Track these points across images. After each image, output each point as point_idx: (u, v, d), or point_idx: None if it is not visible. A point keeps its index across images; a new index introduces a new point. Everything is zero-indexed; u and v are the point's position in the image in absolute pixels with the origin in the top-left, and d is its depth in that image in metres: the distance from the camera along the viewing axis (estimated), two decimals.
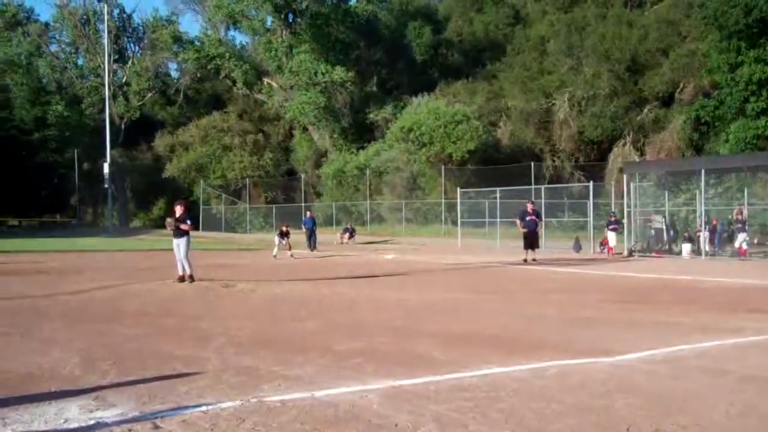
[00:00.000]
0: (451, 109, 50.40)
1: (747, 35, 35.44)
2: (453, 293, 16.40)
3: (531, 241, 25.17)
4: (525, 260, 24.74)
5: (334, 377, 7.53)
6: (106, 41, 65.39)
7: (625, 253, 29.41)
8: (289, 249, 28.71)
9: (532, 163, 44.87)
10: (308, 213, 38.00)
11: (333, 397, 6.73)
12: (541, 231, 26.21)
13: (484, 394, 6.85)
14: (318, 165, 61.10)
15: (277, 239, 29.30)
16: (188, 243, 17.73)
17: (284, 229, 29.53)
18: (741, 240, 27.31)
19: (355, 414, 6.17)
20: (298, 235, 34.34)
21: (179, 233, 17.61)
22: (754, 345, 9.68)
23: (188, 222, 17.84)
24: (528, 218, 25.23)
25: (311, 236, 34.48)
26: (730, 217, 29.34)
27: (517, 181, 38.75)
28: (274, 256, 27.63)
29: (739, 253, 27.07)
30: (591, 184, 33.19)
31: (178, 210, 17.75)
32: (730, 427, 5.83)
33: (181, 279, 17.58)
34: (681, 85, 47.25)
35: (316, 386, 7.10)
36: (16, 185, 66.25)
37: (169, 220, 18.18)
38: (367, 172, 53.17)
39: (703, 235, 28.45)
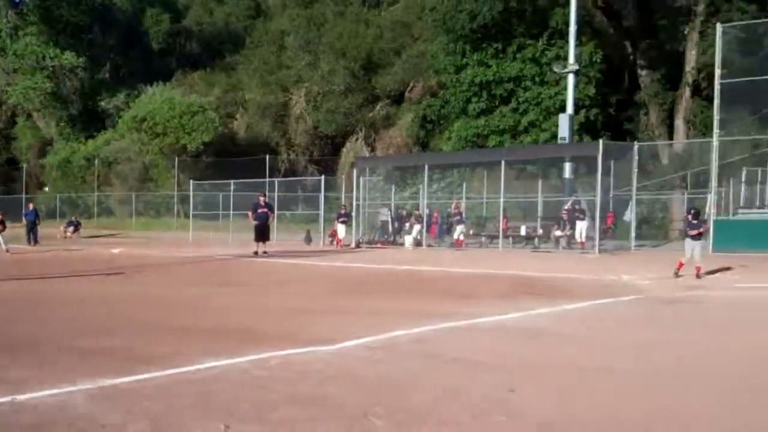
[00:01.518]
0: (187, 99, 49.43)
1: (471, 39, 37.57)
2: (175, 287, 16.11)
3: (261, 233, 25.21)
4: (255, 252, 24.78)
5: (40, 379, 7.11)
6: None
7: (353, 244, 30.31)
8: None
9: (268, 156, 45.02)
10: (30, 205, 35.66)
11: (37, 400, 6.37)
12: (273, 223, 26.34)
13: (205, 388, 6.74)
14: (42, 154, 57.54)
15: None
16: None
17: None
18: (458, 232, 29.06)
19: (60, 417, 5.87)
20: (18, 229, 32.20)
21: None
22: (464, 328, 10.34)
23: None
24: (259, 210, 25.25)
25: (32, 230, 32.33)
26: (449, 210, 31.03)
27: (253, 173, 38.69)
28: None
29: (456, 244, 28.79)
30: (323, 177, 33.90)
31: None
32: (435, 407, 6.14)
33: None
34: (411, 85, 49.34)
35: (19, 389, 6.68)
36: None
37: None
38: (96, 162, 50.82)
39: (420, 227, 29.94)
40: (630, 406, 6.30)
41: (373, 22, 53.43)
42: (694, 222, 17.34)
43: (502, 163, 27.64)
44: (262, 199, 25.94)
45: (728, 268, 18.31)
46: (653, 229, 30.14)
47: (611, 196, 27.11)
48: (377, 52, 50.69)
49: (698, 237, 17.17)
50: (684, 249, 17.43)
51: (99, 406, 6.17)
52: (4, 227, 27.55)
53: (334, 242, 31.12)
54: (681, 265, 16.96)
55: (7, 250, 26.50)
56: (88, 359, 8.09)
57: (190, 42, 66.95)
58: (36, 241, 31.89)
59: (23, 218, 33.05)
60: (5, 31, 57.50)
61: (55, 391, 6.69)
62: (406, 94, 49.89)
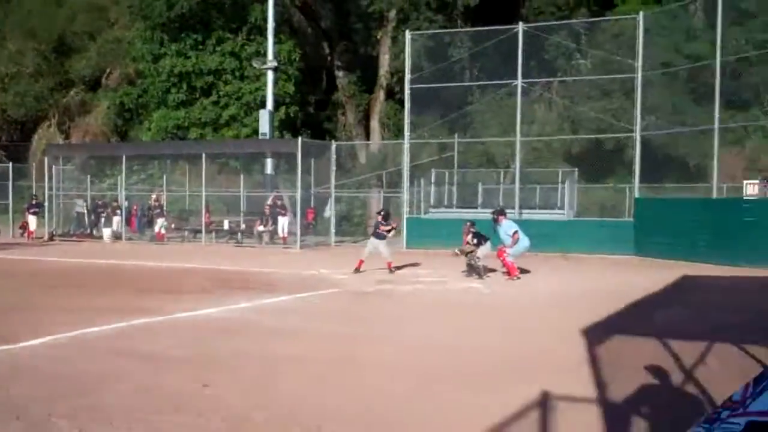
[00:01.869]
0: None
1: (170, 29, 36.72)
2: None
3: None
4: None
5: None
6: None
7: (46, 237, 28.65)
8: None
9: None
10: None
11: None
12: None
13: None
14: None
15: None
16: None
17: None
18: (159, 225, 28.44)
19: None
20: None
21: None
22: (161, 324, 10.21)
23: None
24: None
25: None
26: (150, 202, 30.28)
27: None
28: None
29: (158, 238, 28.18)
30: (11, 164, 31.68)
31: None
32: (126, 405, 6.04)
33: None
34: (108, 71, 47.36)
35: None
36: None
37: None
38: None
39: (118, 219, 29.00)
40: (321, 392, 6.58)
41: (65, 2, 50.46)
42: (383, 223, 18.17)
43: (203, 156, 27.41)
44: None
45: (417, 264, 19.52)
46: (352, 226, 31.26)
47: (312, 192, 27.84)
48: (70, 34, 47.98)
49: (383, 236, 17.92)
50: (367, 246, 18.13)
51: None
52: None
53: (25, 234, 29.21)
54: (361, 262, 17.60)
55: None
56: None
57: None
58: None
59: None
60: None
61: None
62: (103, 81, 47.77)
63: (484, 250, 16.56)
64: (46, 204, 29.74)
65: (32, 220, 29.23)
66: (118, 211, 29.14)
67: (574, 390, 6.48)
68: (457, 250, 17.19)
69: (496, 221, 17.13)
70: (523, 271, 17.04)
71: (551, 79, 29.57)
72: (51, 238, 28.59)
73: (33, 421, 5.53)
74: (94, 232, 29.95)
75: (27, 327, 9.46)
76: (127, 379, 6.97)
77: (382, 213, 18.92)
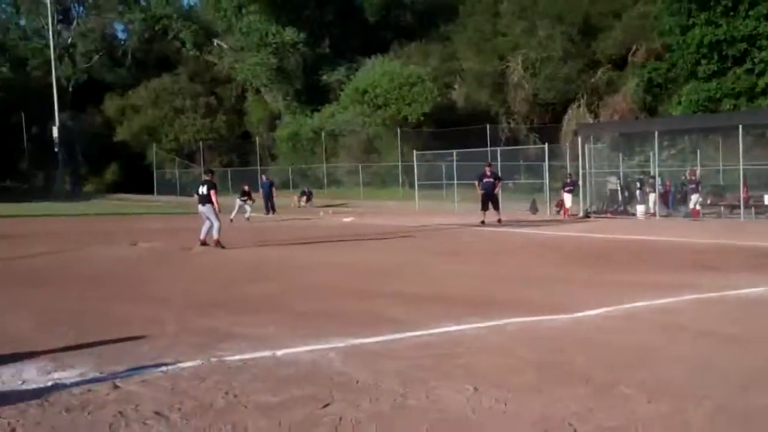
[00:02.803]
0: (405, 69, 50.09)
1: None
2: (412, 255, 16.42)
3: (487, 202, 25.24)
4: (482, 222, 24.82)
5: (294, 337, 7.50)
6: (48, 1, 63.58)
7: (581, 214, 29.59)
8: (244, 212, 28.69)
9: (488, 126, 44.80)
10: (263, 176, 37.66)
11: (294, 355, 6.70)
12: (499, 192, 26.21)
13: (444, 351, 6.88)
14: (272, 128, 60.35)
15: (238, 201, 29.16)
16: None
17: (245, 188, 29.50)
18: (694, 201, 27.54)
19: (316, 372, 6.15)
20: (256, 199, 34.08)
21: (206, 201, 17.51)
22: (709, 301, 9.80)
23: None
24: (485, 180, 25.29)
25: (269, 199, 34.02)
26: (683, 178, 29.54)
27: (473, 143, 38.59)
28: (231, 219, 27.25)
29: (692, 214, 27.35)
30: (546, 146, 33.24)
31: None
32: (688, 382, 5.88)
33: (204, 243, 17.36)
34: (633, 48, 47.32)
35: (277, 345, 7.06)
36: None
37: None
38: (323, 135, 52.77)
39: (654, 197, 28.69)
40: None
41: None
42: None
43: (740, 128, 25.90)
44: (487, 169, 25.97)
45: None
46: None
47: None
48: (595, 15, 48.81)
49: None
50: None
51: (351, 363, 6.40)
52: (251, 198, 29.40)
53: (561, 212, 30.52)
54: None
55: (248, 219, 28.21)
56: (330, 320, 8.40)
57: (404, 13, 67.60)
58: (274, 210, 33.47)
59: (260, 189, 34.74)
60: (230, 10, 60.44)
61: (311, 347, 7.04)
62: (629, 58, 47.88)
63: None
64: (580, 182, 30.67)
65: (567, 198, 30.35)
66: (653, 189, 28.90)
67: None
68: None
69: None
70: None
71: None
72: (586, 215, 29.44)
73: (600, 388, 5.65)
74: (628, 209, 30.15)
75: (576, 298, 9.81)
76: (682, 354, 6.80)
77: None
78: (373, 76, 50.51)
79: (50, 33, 63.06)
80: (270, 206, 33.64)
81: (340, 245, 18.75)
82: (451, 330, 7.87)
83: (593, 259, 15.43)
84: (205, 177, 18.73)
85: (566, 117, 47.61)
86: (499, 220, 24.98)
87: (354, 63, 57.91)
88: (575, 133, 35.27)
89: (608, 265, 14.29)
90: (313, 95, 59.41)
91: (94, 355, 6.73)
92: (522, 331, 7.78)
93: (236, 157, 60.80)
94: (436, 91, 49.58)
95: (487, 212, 25.20)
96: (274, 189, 35.21)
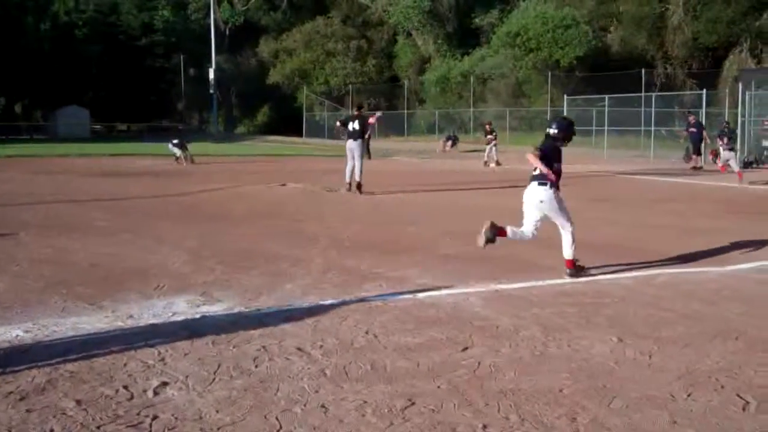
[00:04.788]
0: (560, 12, 48.72)
1: None
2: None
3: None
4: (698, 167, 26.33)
5: (436, 279, 7.52)
6: None
7: (738, 166, 28.19)
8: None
9: (643, 70, 43.06)
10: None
11: (435, 298, 6.73)
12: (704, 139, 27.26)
13: (589, 300, 6.76)
14: (421, 72, 60.22)
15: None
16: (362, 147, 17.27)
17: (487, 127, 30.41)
18: None
19: (456, 315, 6.15)
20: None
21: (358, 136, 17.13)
22: None
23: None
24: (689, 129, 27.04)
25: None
26: None
27: (626, 88, 37.33)
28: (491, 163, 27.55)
29: None
30: (704, 92, 31.77)
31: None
32: None
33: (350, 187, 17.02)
34: None
35: (418, 287, 7.11)
36: (123, 91, 68.09)
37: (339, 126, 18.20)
38: (471, 78, 52.20)
39: None
40: None
41: None
42: None
43: None
44: (691, 118, 27.66)
45: None
46: None
47: None
48: None
49: None
50: None
51: (492, 308, 6.37)
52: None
53: (716, 162, 29.18)
54: None
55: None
56: (473, 264, 8.36)
57: None
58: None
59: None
60: None
61: (453, 291, 7.04)
62: None
63: None
64: (738, 131, 29.20)
65: (725, 153, 29.00)
66: None
67: None
68: None
69: None
70: None
71: None
72: (748, 165, 28.05)
73: (751, 344, 5.41)
74: None
75: (731, 250, 9.42)
76: None
77: None
78: (525, 19, 49.39)
79: None
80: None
81: (488, 191, 18.59)
82: (598, 279, 7.72)
83: (750, 210, 14.76)
84: (354, 112, 17.94)
85: (727, 62, 45.20)
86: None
87: (507, 5, 56.76)
88: (736, 79, 33.50)
89: (763, 216, 13.61)
90: (464, 38, 58.79)
91: (241, 290, 6.98)
92: (672, 283, 7.53)
93: (384, 100, 61.08)
94: (591, 35, 48.01)
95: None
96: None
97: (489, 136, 29.29)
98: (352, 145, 17.04)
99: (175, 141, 28.29)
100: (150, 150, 34.47)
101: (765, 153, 29.71)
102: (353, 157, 17.01)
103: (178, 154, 27.59)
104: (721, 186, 20.18)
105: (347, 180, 17.11)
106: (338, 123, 18.59)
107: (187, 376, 4.60)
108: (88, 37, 69.48)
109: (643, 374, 4.75)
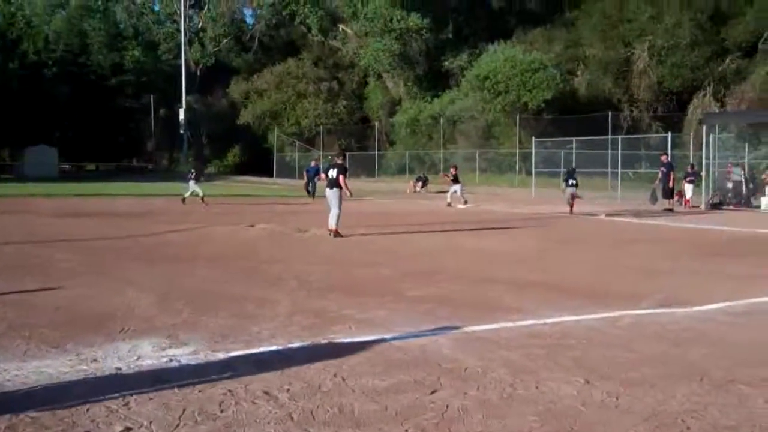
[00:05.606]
0: (528, 56, 49.37)
1: None
2: (529, 242, 16.23)
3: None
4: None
5: (405, 321, 7.51)
6: None
7: (703, 206, 28.61)
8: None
9: (610, 113, 43.62)
10: (313, 162, 37.88)
11: (403, 341, 6.71)
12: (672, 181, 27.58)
13: (556, 342, 6.78)
14: (392, 113, 60.66)
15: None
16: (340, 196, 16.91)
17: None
18: None
19: (424, 357, 6.14)
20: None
21: (334, 185, 16.90)
22: None
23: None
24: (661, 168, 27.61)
25: (310, 183, 32.79)
26: None
27: (593, 131, 37.84)
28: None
29: None
30: (669, 135, 32.28)
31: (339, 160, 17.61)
32: None
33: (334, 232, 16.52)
34: (765, 35, 45.31)
35: (387, 330, 7.10)
36: (93, 130, 67.87)
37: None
38: (442, 120, 52.63)
39: None
40: None
41: None
42: None
43: None
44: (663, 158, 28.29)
45: None
46: None
47: None
48: (726, 1, 46.94)
49: None
50: None
51: (460, 350, 6.38)
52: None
53: (682, 203, 29.61)
54: None
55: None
56: (441, 305, 8.37)
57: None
58: (313, 195, 31.77)
59: (304, 173, 34.46)
60: None
61: (421, 333, 7.04)
62: (759, 46, 45.79)
63: None
64: (703, 173, 29.67)
65: (688, 189, 29.47)
66: None
67: None
68: None
69: None
70: None
71: None
72: (713, 206, 28.45)
73: (716, 384, 5.44)
74: (752, 201, 29.03)
75: (696, 292, 9.49)
76: None
77: None
78: (494, 63, 49.97)
79: (182, 17, 65.13)
80: (311, 191, 32.64)
81: (455, 232, 18.66)
82: (565, 320, 7.74)
83: (714, 251, 14.91)
84: (337, 160, 17.77)
85: (691, 106, 46.05)
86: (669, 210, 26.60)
87: (476, 49, 57.43)
88: (700, 123, 34.09)
89: (729, 258, 13.77)
90: (434, 81, 59.41)
91: (208, 333, 6.92)
92: (638, 325, 7.58)
93: (355, 141, 61.37)
94: (559, 78, 48.69)
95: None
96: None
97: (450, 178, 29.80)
98: (329, 194, 16.93)
99: (192, 174, 28.04)
100: (119, 190, 34.22)
101: (729, 195, 30.20)
102: (330, 205, 16.78)
103: (200, 193, 27.12)
104: (687, 228, 20.40)
105: (330, 226, 16.54)
106: (321, 173, 18.58)
107: (151, 422, 4.54)
108: (57, 77, 69.36)
109: (610, 416, 4.77)
